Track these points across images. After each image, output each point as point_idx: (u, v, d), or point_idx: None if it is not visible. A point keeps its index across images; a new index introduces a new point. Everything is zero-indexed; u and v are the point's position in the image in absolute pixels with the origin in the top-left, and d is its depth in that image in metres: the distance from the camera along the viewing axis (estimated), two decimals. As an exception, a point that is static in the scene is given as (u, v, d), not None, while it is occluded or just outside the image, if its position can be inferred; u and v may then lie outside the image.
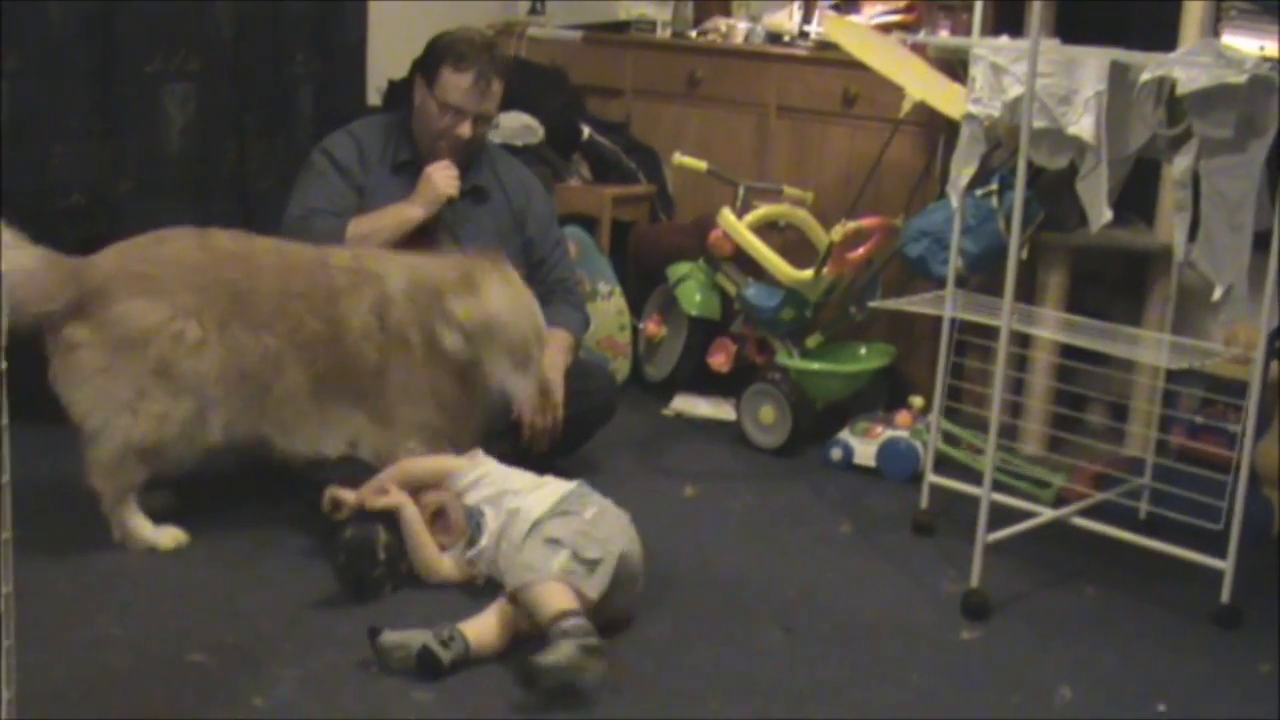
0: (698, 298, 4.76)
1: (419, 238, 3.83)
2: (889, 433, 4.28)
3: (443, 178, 3.87)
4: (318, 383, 3.45)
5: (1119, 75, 3.18)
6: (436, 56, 3.91)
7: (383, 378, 3.48)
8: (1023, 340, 4.06)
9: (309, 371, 3.44)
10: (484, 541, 3.22)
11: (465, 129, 3.89)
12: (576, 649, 2.72)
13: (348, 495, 3.26)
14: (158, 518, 3.43)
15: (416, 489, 3.34)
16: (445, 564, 3.27)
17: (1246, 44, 3.88)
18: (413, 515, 3.25)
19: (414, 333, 3.47)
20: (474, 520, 3.25)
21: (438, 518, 3.30)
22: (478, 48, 3.90)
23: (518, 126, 4.89)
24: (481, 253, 3.62)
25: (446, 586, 3.24)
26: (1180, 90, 3.06)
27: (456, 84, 3.86)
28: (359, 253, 3.62)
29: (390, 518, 3.26)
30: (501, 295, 3.50)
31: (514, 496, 3.25)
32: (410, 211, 3.84)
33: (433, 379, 3.50)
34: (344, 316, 3.45)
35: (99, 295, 3.30)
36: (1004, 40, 3.46)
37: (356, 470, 3.39)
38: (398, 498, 3.26)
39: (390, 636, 2.82)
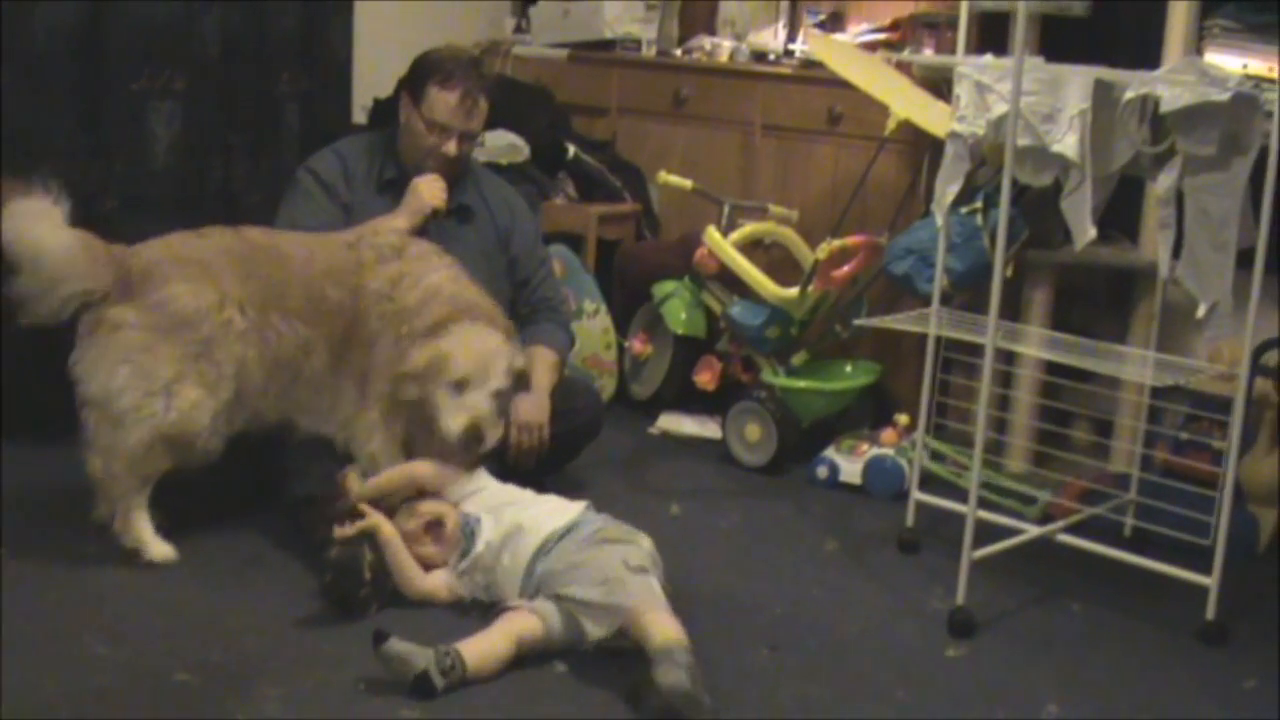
0: (683, 316, 4.76)
1: None
2: (875, 450, 4.29)
3: (430, 190, 3.88)
4: (334, 354, 3.51)
5: (1103, 93, 3.20)
6: (423, 74, 3.91)
7: (371, 347, 3.50)
8: (1008, 357, 4.07)
9: (329, 344, 3.50)
10: (479, 548, 3.21)
11: (451, 146, 3.90)
12: (694, 679, 2.74)
13: (356, 484, 3.31)
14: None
15: (413, 495, 3.35)
16: (429, 582, 3.25)
17: (1230, 62, 3.91)
18: (391, 535, 3.23)
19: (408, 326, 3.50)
20: (469, 527, 3.25)
21: (432, 528, 3.29)
22: (464, 66, 3.92)
23: (503, 145, 4.90)
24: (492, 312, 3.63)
25: (430, 608, 3.22)
26: (1164, 108, 3.08)
27: (444, 101, 3.87)
28: (406, 239, 3.68)
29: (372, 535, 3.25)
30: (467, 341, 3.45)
31: (516, 509, 3.26)
32: (395, 222, 3.84)
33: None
34: (363, 284, 3.52)
35: (146, 278, 3.35)
36: (988, 59, 3.48)
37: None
38: (371, 520, 3.23)
39: (396, 646, 2.80)
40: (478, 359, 3.40)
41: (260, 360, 3.43)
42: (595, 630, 2.98)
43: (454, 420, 3.36)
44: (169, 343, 3.32)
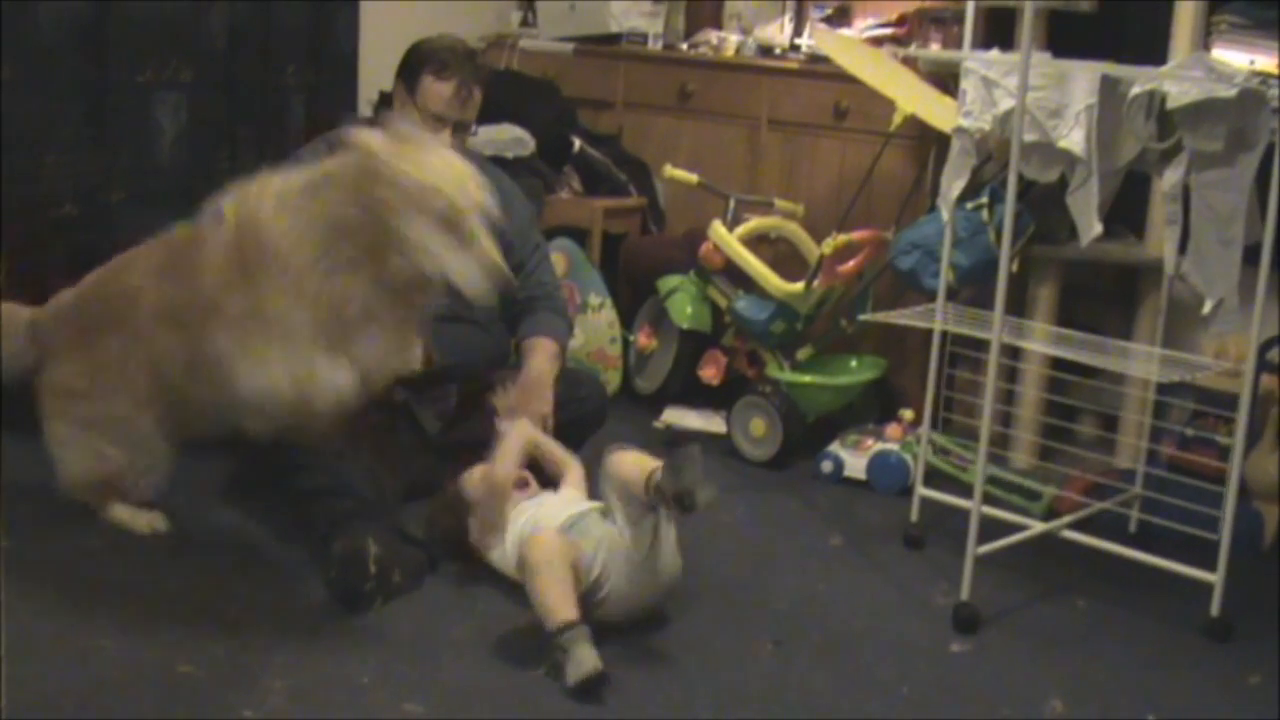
0: (688, 310, 4.76)
1: None
2: (880, 445, 4.28)
3: None
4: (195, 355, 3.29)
5: (1110, 89, 3.19)
6: (418, 63, 3.89)
7: (260, 304, 3.08)
8: (1013, 353, 4.06)
9: (190, 351, 3.29)
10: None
11: (445, 137, 3.89)
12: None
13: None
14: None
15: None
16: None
17: (1237, 58, 3.90)
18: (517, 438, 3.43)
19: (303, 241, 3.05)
20: None
21: (521, 486, 3.43)
22: (460, 56, 3.90)
23: (509, 138, 4.90)
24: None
25: (436, 603, 3.23)
26: (1171, 104, 3.07)
27: (439, 92, 3.86)
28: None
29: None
30: (427, 160, 3.02)
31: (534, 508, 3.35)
32: None
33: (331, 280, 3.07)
34: (199, 267, 3.19)
35: (48, 345, 3.49)
36: (995, 54, 3.47)
37: (357, 503, 3.40)
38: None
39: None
40: (460, 180, 2.98)
41: (144, 396, 3.40)
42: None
43: (467, 270, 2.98)
44: (57, 411, 3.46)
